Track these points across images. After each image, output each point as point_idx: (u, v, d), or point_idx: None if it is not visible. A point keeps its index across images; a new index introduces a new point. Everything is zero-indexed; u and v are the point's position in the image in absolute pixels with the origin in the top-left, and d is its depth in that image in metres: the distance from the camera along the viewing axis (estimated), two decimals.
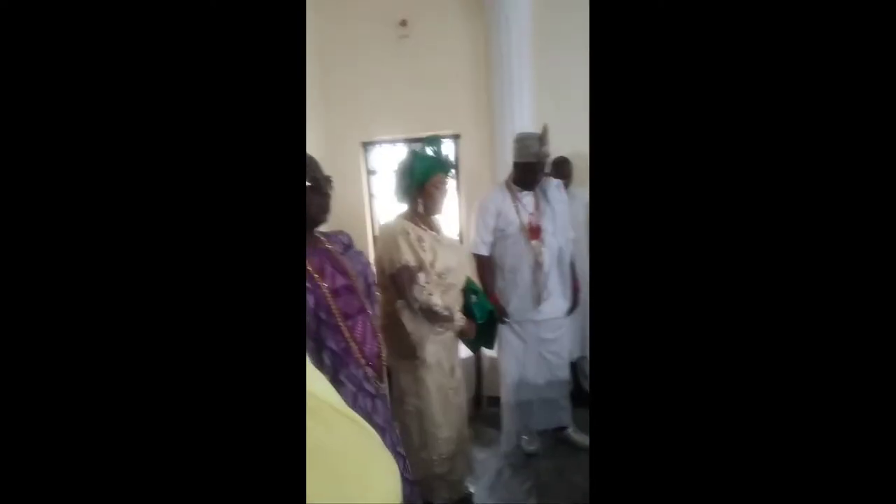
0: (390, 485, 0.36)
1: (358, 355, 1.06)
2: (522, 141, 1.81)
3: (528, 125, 2.39)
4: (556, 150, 1.85)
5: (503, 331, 1.91)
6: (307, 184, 1.02)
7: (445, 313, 1.49)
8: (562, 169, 2.27)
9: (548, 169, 2.15)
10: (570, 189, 2.24)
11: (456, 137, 2.77)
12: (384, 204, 2.90)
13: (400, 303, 1.47)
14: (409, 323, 1.48)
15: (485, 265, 1.90)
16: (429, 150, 1.55)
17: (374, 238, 2.08)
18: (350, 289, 1.08)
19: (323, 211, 1.07)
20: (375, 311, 1.18)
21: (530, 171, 1.81)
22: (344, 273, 1.09)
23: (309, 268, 1.03)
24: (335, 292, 1.05)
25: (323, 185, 1.05)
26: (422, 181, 1.52)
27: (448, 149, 2.76)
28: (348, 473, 0.33)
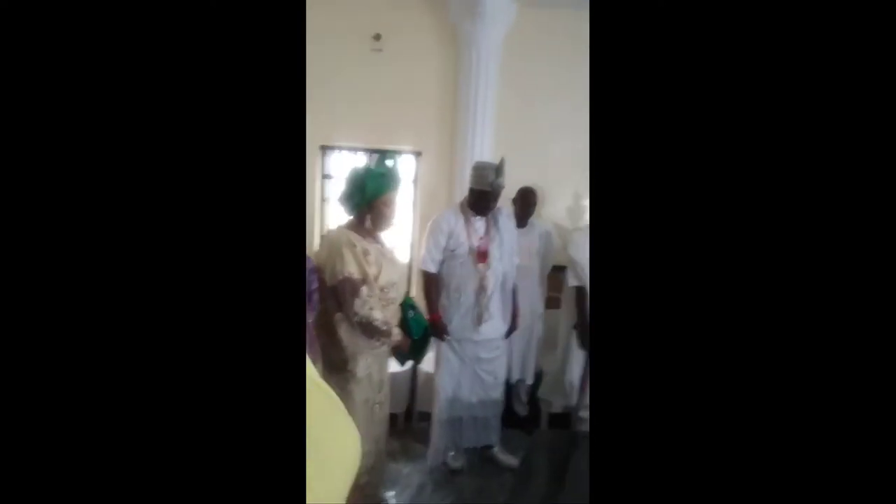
0: (352, 453, 0.38)
1: None
2: (480, 170, 1.89)
3: (488, 153, 2.49)
4: (511, 181, 1.95)
5: (441, 348, 1.96)
6: None
7: (384, 328, 1.49)
8: (528, 198, 2.33)
9: (513, 196, 2.24)
10: (531, 219, 2.34)
11: (417, 154, 2.81)
12: (335, 209, 2.87)
13: (338, 315, 1.46)
14: (345, 336, 1.47)
15: (431, 282, 1.94)
16: (381, 167, 1.56)
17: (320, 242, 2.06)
18: None
19: None
20: (312, 319, 1.15)
21: (484, 198, 1.89)
22: None
23: None
24: None
25: None
26: (372, 197, 1.51)
27: (408, 164, 2.81)
28: (314, 438, 0.34)
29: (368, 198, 1.52)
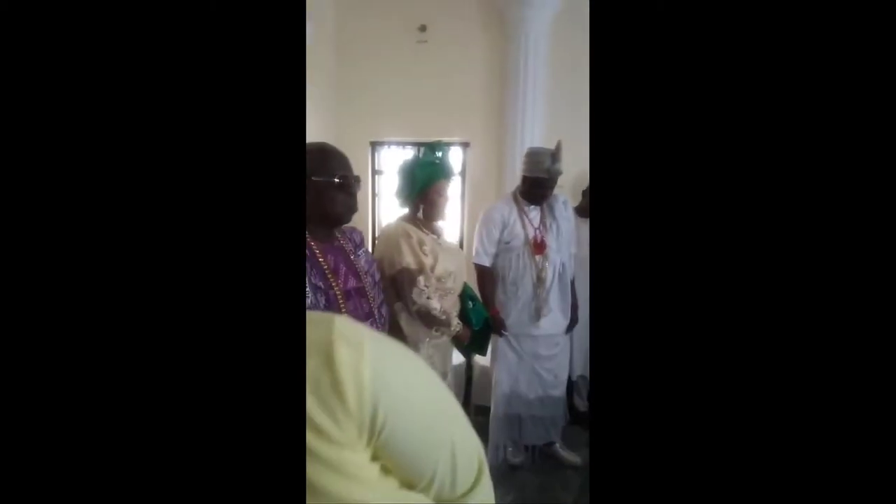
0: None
1: None
2: (535, 156, 1.82)
3: (539, 140, 2.41)
4: (564, 167, 1.87)
5: (499, 343, 1.91)
6: (336, 181, 1.00)
7: (443, 318, 1.48)
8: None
9: (584, 187, 2.17)
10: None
11: (465, 145, 2.78)
12: (388, 204, 2.90)
13: (398, 305, 1.47)
14: (406, 326, 1.47)
15: (486, 276, 1.90)
16: (432, 156, 1.55)
17: (375, 239, 2.08)
18: (361, 292, 1.07)
19: (350, 210, 1.05)
20: (384, 313, 1.16)
21: (539, 186, 1.81)
22: (356, 275, 1.07)
23: (325, 266, 1.01)
24: (346, 294, 1.03)
25: (352, 184, 1.03)
26: (423, 187, 1.52)
27: (456, 156, 2.78)
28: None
29: (419, 188, 1.52)
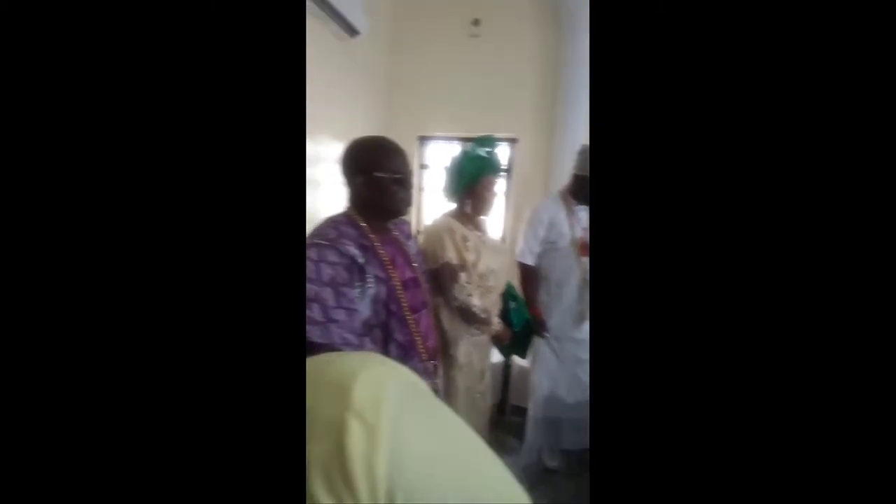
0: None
1: (422, 350, 1.06)
2: (588, 154, 1.76)
3: (588, 137, 2.33)
4: None
5: (539, 345, 1.87)
6: (396, 176, 1.02)
7: (483, 315, 1.47)
8: None
9: None
10: None
11: (513, 141, 2.74)
12: (432, 199, 2.91)
13: (439, 300, 1.48)
14: (446, 321, 1.48)
15: (529, 275, 1.86)
16: (481, 151, 1.53)
17: (418, 233, 2.11)
18: (416, 282, 1.08)
19: (406, 204, 1.06)
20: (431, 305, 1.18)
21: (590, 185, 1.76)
22: (411, 265, 1.09)
23: (385, 258, 1.03)
24: (405, 284, 1.05)
25: (409, 179, 1.05)
26: (471, 181, 1.50)
27: (503, 152, 2.74)
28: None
29: (467, 182, 1.51)
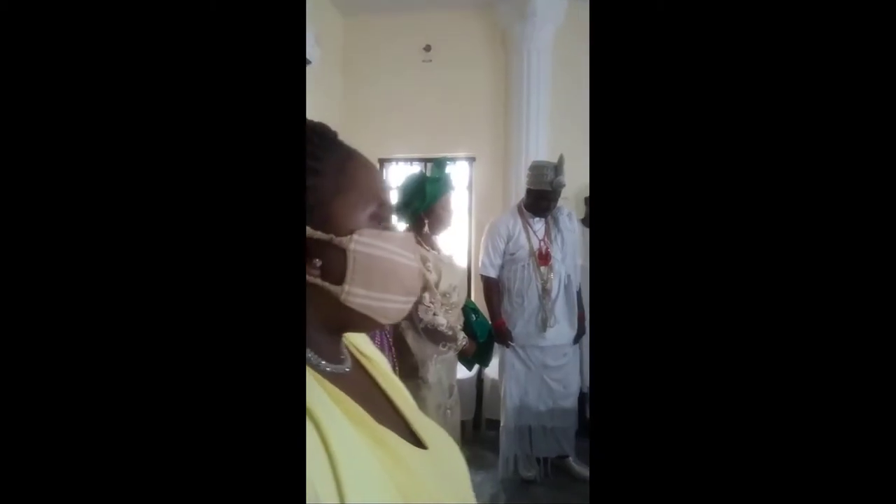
0: None
1: None
2: (538, 169, 1.85)
3: (543, 153, 2.43)
4: (568, 179, 1.89)
5: (507, 354, 1.92)
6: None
7: (449, 333, 1.49)
8: None
9: (586, 195, 2.17)
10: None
11: (471, 160, 2.82)
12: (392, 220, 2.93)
13: (404, 323, 1.48)
14: (413, 343, 1.48)
15: (492, 287, 1.92)
16: (442, 171, 1.58)
17: None
18: None
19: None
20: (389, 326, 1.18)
21: (543, 198, 1.84)
22: None
23: None
24: None
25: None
26: (430, 203, 1.54)
27: (463, 170, 2.82)
28: None
29: (428, 202, 1.54)
